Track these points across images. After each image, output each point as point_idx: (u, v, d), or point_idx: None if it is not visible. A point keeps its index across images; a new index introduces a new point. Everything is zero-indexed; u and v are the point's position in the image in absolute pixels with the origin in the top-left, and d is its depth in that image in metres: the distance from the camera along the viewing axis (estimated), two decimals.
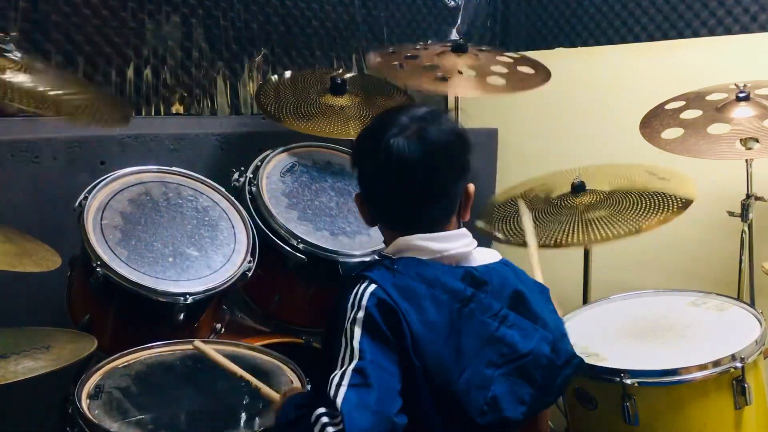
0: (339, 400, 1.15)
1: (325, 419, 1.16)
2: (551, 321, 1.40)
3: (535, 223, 2.17)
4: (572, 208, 2.22)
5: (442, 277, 1.29)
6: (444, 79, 2.28)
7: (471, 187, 1.38)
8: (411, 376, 1.23)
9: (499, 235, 2.27)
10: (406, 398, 1.22)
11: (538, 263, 1.84)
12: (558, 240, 2.10)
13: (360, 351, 1.20)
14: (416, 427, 1.24)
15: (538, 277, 1.76)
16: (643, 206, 2.12)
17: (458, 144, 1.35)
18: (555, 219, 2.19)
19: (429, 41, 2.50)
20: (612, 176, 2.35)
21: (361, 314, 1.23)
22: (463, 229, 1.37)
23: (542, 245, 2.02)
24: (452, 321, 1.26)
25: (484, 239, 2.34)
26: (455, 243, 1.34)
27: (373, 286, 1.25)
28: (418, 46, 2.50)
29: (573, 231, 2.12)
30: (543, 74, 2.42)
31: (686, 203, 2.08)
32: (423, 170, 1.30)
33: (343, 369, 1.20)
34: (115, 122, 1.92)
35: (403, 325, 1.22)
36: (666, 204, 2.09)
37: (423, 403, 1.25)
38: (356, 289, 1.27)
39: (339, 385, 1.18)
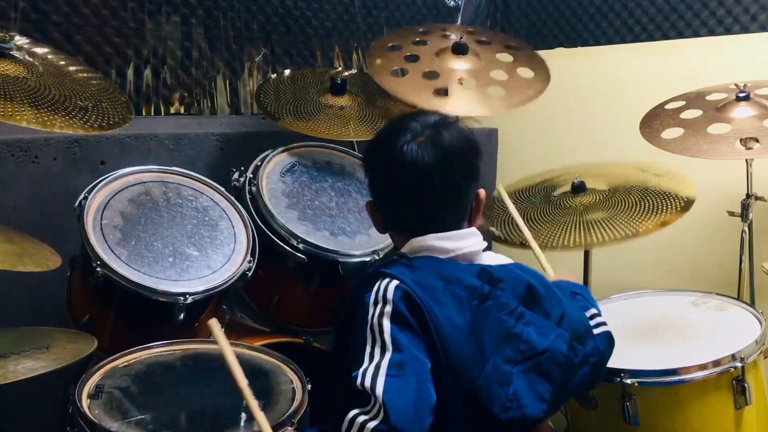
0: (379, 390, 1.14)
1: (362, 418, 1.14)
2: (574, 318, 1.40)
3: (534, 224, 2.17)
4: (571, 209, 2.22)
5: (459, 274, 1.30)
6: (444, 91, 2.28)
7: (482, 192, 1.40)
8: (437, 372, 1.23)
9: (496, 232, 2.27)
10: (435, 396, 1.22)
11: (543, 257, 1.84)
12: (556, 242, 2.10)
13: (393, 342, 1.19)
14: (442, 426, 1.25)
15: (549, 271, 1.76)
16: (644, 207, 2.12)
17: (469, 148, 1.38)
18: (554, 220, 2.19)
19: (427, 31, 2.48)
20: (610, 175, 2.35)
21: (389, 308, 1.23)
22: (473, 228, 1.39)
23: (541, 247, 2.01)
24: (472, 317, 1.27)
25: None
26: (467, 241, 1.36)
27: (395, 282, 1.26)
28: (418, 35, 2.48)
29: (572, 233, 2.12)
30: (542, 78, 2.41)
31: (688, 203, 2.08)
32: (436, 174, 1.32)
33: (376, 362, 1.18)
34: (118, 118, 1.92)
35: (428, 321, 1.23)
36: (667, 205, 2.10)
37: (449, 399, 1.25)
38: (377, 285, 1.27)
39: (376, 375, 1.16)
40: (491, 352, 1.27)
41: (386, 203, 1.40)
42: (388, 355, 1.18)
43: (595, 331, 1.44)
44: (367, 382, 1.16)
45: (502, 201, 2.03)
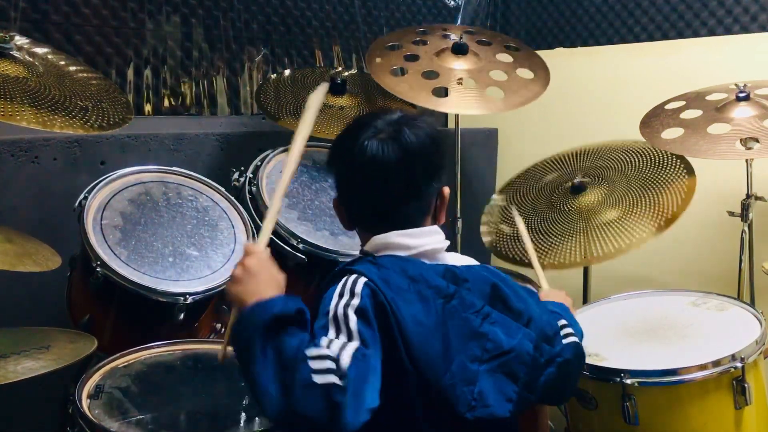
0: (345, 362, 1.11)
1: (331, 364, 1.11)
2: (541, 319, 1.40)
3: (539, 235, 2.16)
4: (576, 213, 2.19)
5: (425, 273, 1.29)
6: (444, 91, 2.28)
7: (446, 190, 1.40)
8: (399, 374, 1.22)
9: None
10: (395, 398, 1.21)
11: (541, 271, 1.84)
12: (564, 261, 2.09)
13: (360, 336, 1.17)
14: (406, 427, 1.24)
15: (544, 285, 1.77)
16: (652, 196, 2.11)
17: (432, 146, 1.36)
18: (558, 231, 2.18)
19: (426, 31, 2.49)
20: (601, 164, 2.35)
21: (355, 301, 1.21)
22: (435, 227, 1.39)
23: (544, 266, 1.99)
24: (438, 316, 1.26)
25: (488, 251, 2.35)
26: (428, 239, 1.35)
27: (363, 279, 1.25)
28: (418, 35, 2.48)
29: (580, 247, 2.10)
30: (542, 79, 2.41)
31: (668, 221, 2.07)
32: (395, 171, 1.32)
33: (343, 341, 1.16)
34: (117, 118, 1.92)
35: (391, 320, 1.22)
36: (673, 169, 2.10)
37: (413, 401, 1.24)
38: (344, 280, 1.26)
39: (343, 349, 1.13)
40: (457, 351, 1.27)
41: (348, 199, 1.40)
42: (355, 343, 1.16)
43: (564, 341, 1.44)
44: (333, 349, 1.13)
45: (510, 214, 2.01)
